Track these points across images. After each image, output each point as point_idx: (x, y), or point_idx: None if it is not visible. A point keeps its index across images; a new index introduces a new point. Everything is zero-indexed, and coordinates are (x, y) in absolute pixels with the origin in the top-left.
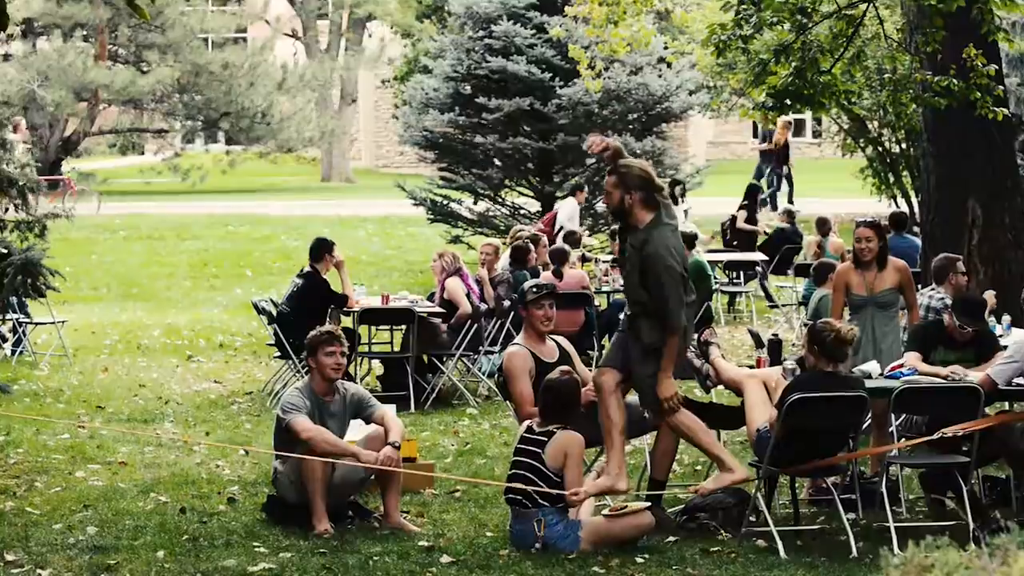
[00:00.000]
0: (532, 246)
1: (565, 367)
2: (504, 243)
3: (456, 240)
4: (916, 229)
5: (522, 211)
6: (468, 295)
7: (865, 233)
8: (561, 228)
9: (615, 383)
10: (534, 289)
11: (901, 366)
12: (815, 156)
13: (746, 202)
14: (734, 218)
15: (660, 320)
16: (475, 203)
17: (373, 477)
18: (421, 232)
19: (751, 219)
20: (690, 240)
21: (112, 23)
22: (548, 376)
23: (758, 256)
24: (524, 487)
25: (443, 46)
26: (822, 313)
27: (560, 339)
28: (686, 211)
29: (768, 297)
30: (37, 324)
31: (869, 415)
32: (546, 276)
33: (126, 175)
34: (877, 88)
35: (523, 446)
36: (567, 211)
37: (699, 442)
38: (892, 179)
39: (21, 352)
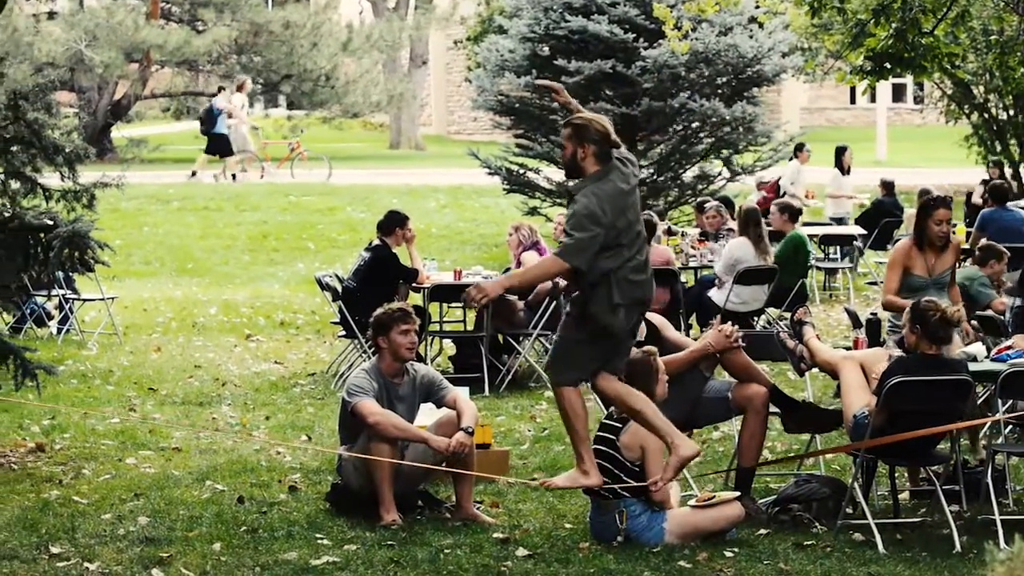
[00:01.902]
0: None
1: (649, 347)
2: None
3: (533, 212)
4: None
5: None
6: None
7: (946, 215)
8: (784, 193)
9: (611, 381)
10: None
11: (1009, 347)
12: (917, 123)
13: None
14: None
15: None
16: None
17: (444, 464)
18: (496, 203)
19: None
20: (795, 213)
21: None
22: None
23: (856, 230)
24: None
25: (519, 5)
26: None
27: (649, 315)
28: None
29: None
30: (85, 301)
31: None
32: None
33: (180, 141)
34: (983, 50)
35: (601, 433)
36: (790, 174)
37: (640, 416)
38: (999, 147)
39: (68, 330)
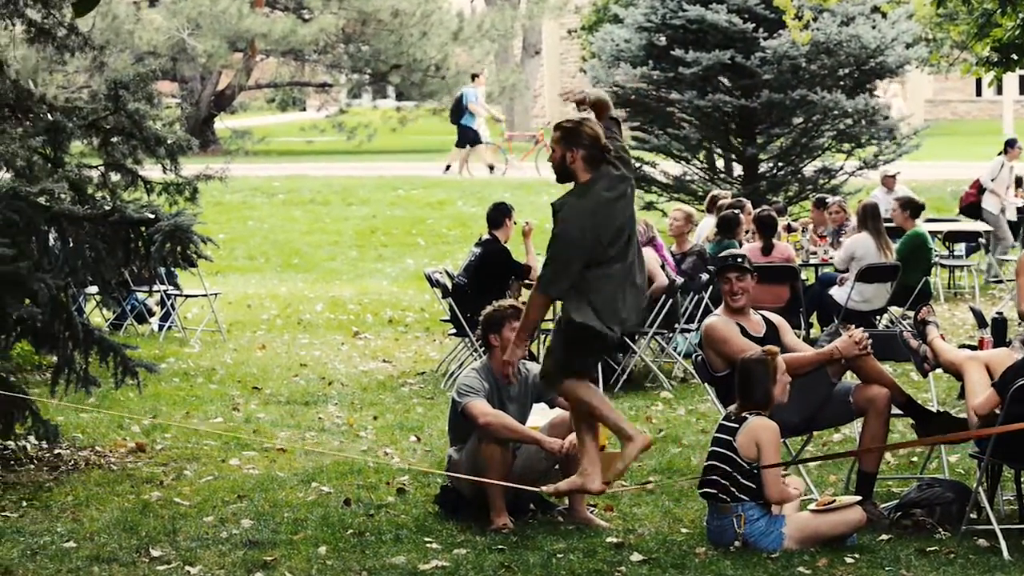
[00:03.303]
0: (740, 214)
1: (770, 347)
2: (699, 210)
3: (649, 207)
4: None
5: (722, 175)
6: (663, 267)
7: None
8: (983, 191)
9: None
10: (721, 260)
11: None
12: None
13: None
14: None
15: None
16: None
17: (557, 467)
18: None
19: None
20: (916, 209)
21: None
22: (743, 355)
23: (981, 226)
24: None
25: None
26: None
27: (769, 313)
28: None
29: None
30: (187, 297)
31: None
32: (751, 248)
33: (285, 133)
34: None
35: (718, 434)
36: (990, 169)
37: (596, 412)
38: None
39: (170, 327)
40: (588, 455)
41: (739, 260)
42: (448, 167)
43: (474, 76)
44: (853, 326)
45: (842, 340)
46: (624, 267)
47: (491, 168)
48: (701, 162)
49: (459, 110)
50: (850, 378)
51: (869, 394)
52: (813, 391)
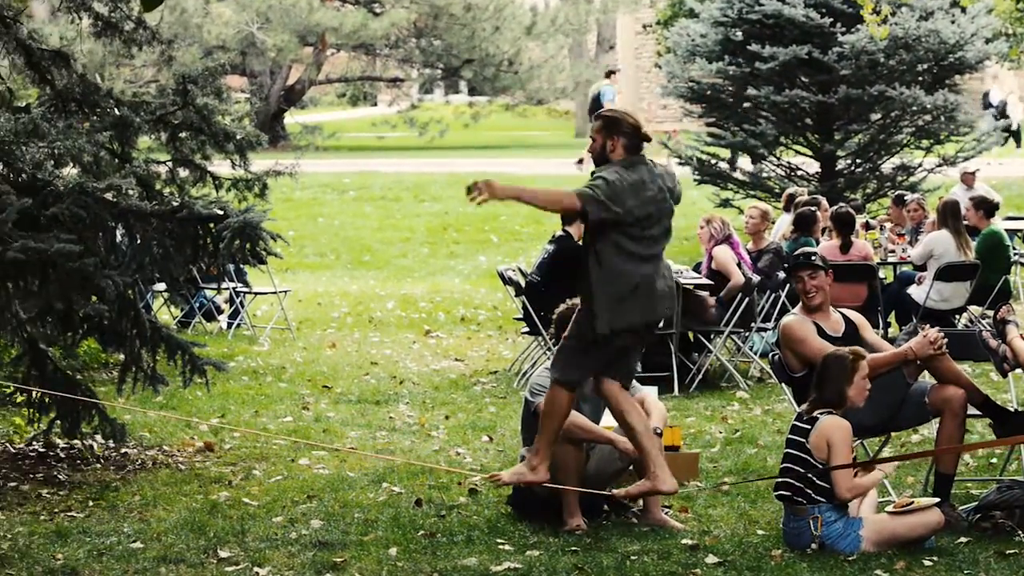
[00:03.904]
0: (816, 211)
1: (857, 348)
2: (776, 207)
3: (725, 204)
4: None
5: (799, 172)
6: (739, 265)
7: None
8: None
9: (613, 387)
10: (793, 258)
11: None
12: None
13: None
14: None
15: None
16: (752, 162)
17: (632, 467)
18: (686, 195)
19: None
20: (990, 208)
21: None
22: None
23: None
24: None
25: None
26: None
27: (849, 312)
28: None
29: None
30: (257, 294)
31: None
32: (829, 246)
33: (356, 128)
34: None
35: (791, 435)
36: None
37: (631, 430)
38: None
39: (239, 325)
40: (651, 457)
41: (811, 257)
42: (580, 161)
43: (609, 73)
44: (928, 325)
45: (917, 340)
46: (653, 266)
47: (579, 161)
48: (778, 159)
49: (597, 108)
50: (926, 377)
51: (945, 395)
52: (888, 393)
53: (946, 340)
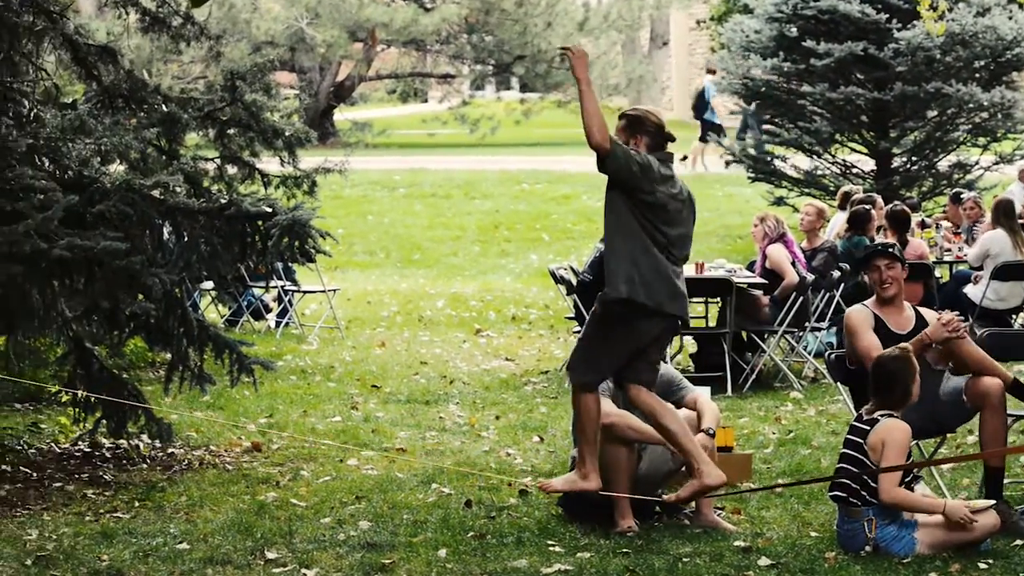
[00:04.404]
0: (871, 209)
1: (904, 344)
2: (831, 205)
3: (779, 202)
4: None
5: (854, 169)
6: (793, 264)
7: None
8: None
9: (641, 393)
10: (870, 247)
11: None
12: None
13: None
14: None
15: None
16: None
17: (684, 468)
18: (740, 192)
19: None
20: None
21: None
22: (879, 354)
23: None
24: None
25: None
26: None
27: (924, 310)
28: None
29: None
30: (305, 293)
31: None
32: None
33: (406, 125)
34: None
35: (849, 436)
36: None
37: (665, 429)
38: None
39: (287, 324)
40: (693, 455)
41: (889, 248)
42: (684, 158)
43: (711, 71)
44: (950, 312)
45: (932, 325)
46: (678, 266)
47: (684, 158)
48: (833, 156)
49: (702, 105)
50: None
51: (981, 389)
52: (923, 386)
53: (963, 323)
